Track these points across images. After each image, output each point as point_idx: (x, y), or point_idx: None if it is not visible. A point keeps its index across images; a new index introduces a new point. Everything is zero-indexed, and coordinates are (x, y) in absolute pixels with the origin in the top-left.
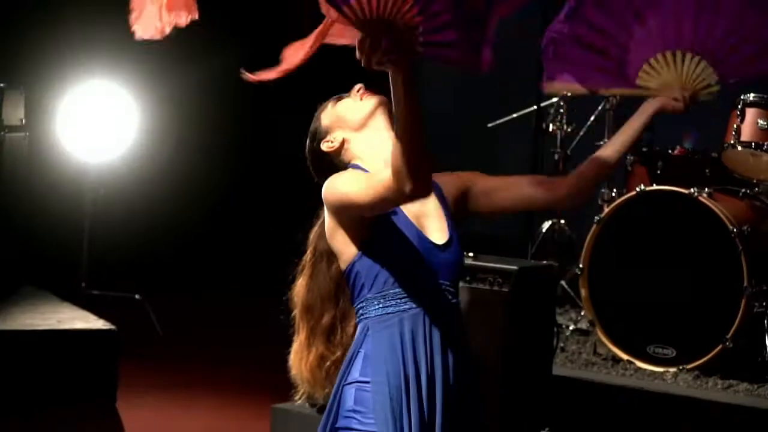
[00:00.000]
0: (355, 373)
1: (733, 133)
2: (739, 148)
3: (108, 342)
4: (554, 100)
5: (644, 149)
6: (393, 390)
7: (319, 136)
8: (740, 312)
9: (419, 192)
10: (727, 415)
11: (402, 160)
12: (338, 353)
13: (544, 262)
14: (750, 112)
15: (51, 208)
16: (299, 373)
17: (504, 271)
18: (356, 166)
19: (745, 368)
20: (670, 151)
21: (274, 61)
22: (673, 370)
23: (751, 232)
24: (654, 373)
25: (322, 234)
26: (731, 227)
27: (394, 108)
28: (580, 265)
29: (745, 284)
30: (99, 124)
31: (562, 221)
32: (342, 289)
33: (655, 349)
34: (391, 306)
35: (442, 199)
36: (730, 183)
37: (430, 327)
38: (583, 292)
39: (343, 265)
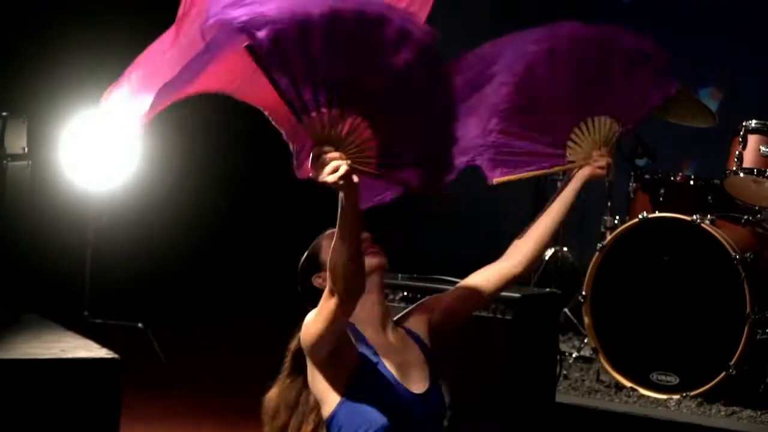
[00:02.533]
0: None
1: (735, 159)
2: (742, 174)
3: (111, 370)
4: None
5: (646, 176)
6: None
7: (315, 267)
8: (743, 339)
9: (349, 294)
10: None
11: (335, 261)
12: None
13: (547, 289)
14: (752, 139)
15: (53, 237)
16: None
17: (507, 298)
18: None
19: (749, 395)
20: (672, 178)
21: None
22: (676, 397)
23: (754, 258)
24: (657, 400)
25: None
26: (734, 254)
27: (338, 216)
28: (583, 293)
29: (748, 311)
30: (101, 152)
31: (565, 249)
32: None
33: (659, 376)
34: None
35: (422, 345)
36: (733, 210)
37: None
38: (586, 319)
39: (326, 413)
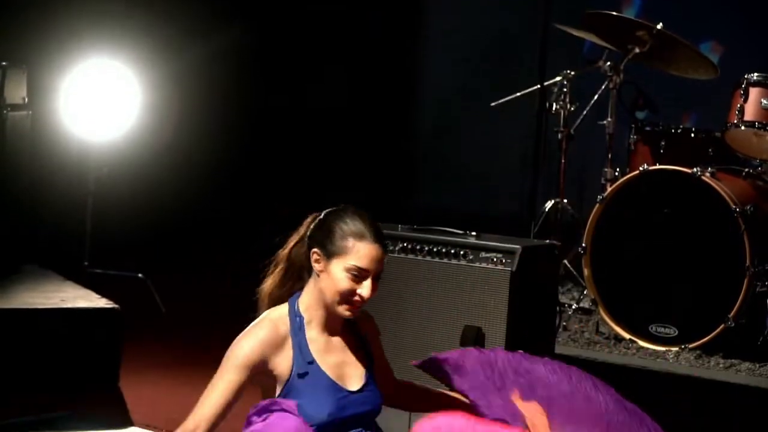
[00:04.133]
0: None
1: (737, 112)
2: (743, 127)
3: (111, 321)
4: (557, 79)
5: (647, 128)
6: None
7: (319, 243)
8: (742, 291)
9: None
10: (728, 395)
11: None
12: None
13: (547, 241)
14: (753, 92)
15: (54, 187)
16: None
17: (507, 250)
18: (293, 302)
19: (747, 348)
20: (673, 130)
21: (276, 39)
22: (675, 349)
23: (754, 211)
24: (656, 352)
25: (299, 248)
26: (734, 206)
27: None
28: (583, 244)
29: (748, 264)
30: (102, 102)
31: (565, 200)
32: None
33: (658, 329)
34: None
35: (367, 353)
36: (733, 162)
37: None
38: (586, 271)
39: (265, 395)
